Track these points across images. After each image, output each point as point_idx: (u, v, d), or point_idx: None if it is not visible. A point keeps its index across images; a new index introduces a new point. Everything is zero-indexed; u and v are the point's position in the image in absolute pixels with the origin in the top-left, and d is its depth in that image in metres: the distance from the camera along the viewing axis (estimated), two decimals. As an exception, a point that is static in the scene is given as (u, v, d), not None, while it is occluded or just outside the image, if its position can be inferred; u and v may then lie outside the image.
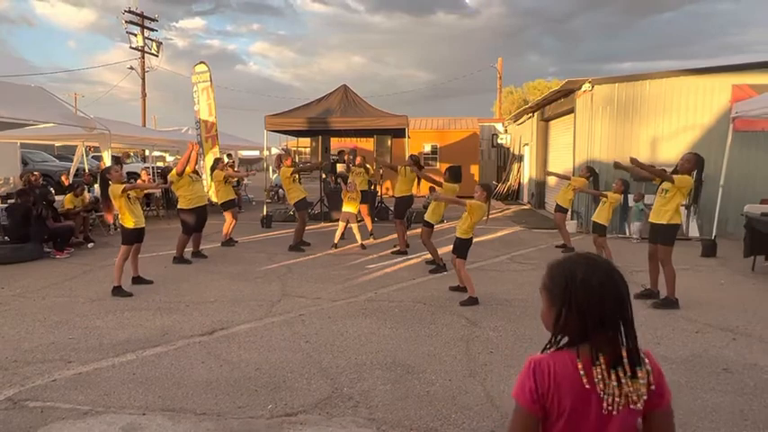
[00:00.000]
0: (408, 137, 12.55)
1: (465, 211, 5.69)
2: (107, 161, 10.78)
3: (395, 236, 8.87)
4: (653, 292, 5.79)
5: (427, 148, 19.41)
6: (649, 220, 5.77)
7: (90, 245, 9.04)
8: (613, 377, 1.24)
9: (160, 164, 22.41)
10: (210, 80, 13.32)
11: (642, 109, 10.65)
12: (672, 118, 10.57)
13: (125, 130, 12.74)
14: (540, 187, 15.59)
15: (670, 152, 10.13)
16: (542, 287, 1.37)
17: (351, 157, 11.19)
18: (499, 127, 21.75)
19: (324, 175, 13.15)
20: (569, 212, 9.54)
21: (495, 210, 14.21)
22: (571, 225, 10.23)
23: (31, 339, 4.55)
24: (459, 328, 4.85)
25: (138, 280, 6.35)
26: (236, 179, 10.46)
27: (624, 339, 1.27)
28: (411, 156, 8.94)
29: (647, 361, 1.29)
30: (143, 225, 6.21)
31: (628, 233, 10.03)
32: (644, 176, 6.25)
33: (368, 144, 15.59)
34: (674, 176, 5.42)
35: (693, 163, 5.51)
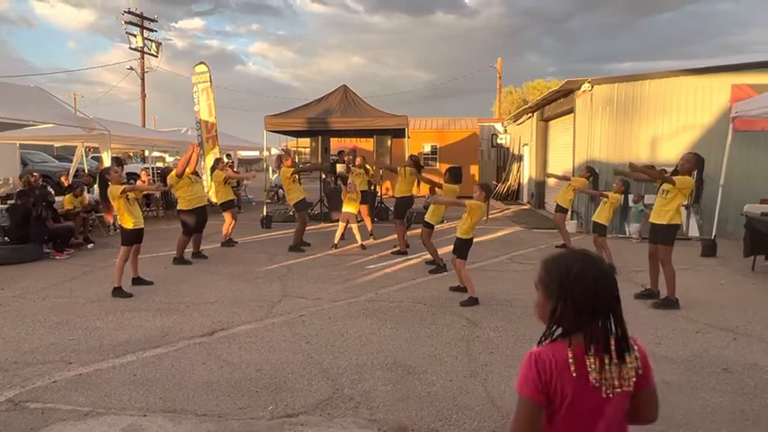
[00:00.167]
0: (408, 137, 12.56)
1: (465, 211, 5.69)
2: (106, 162, 10.77)
3: (395, 236, 8.87)
4: (653, 291, 5.80)
5: (427, 149, 19.40)
6: (650, 220, 5.77)
7: (90, 246, 9.04)
8: (606, 363, 1.32)
9: (159, 164, 22.39)
10: (210, 80, 13.33)
11: (642, 109, 10.66)
12: (671, 118, 10.57)
13: (125, 130, 12.73)
14: (539, 187, 15.59)
15: (670, 152, 10.14)
16: (538, 281, 1.43)
17: (351, 157, 11.19)
18: (499, 127, 21.75)
19: (324, 176, 13.15)
20: (569, 212, 9.54)
21: (494, 210, 14.21)
22: (571, 225, 10.23)
23: (31, 340, 4.54)
24: (459, 329, 4.85)
25: (138, 281, 6.35)
26: (235, 180, 10.45)
27: (614, 329, 1.35)
28: (411, 156, 8.94)
29: (635, 347, 1.38)
30: (142, 225, 6.20)
31: (628, 233, 10.03)
32: (644, 179, 6.25)
33: (367, 144, 15.59)
34: (675, 178, 5.43)
35: (693, 163, 5.51)
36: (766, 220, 7.05)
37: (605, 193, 7.43)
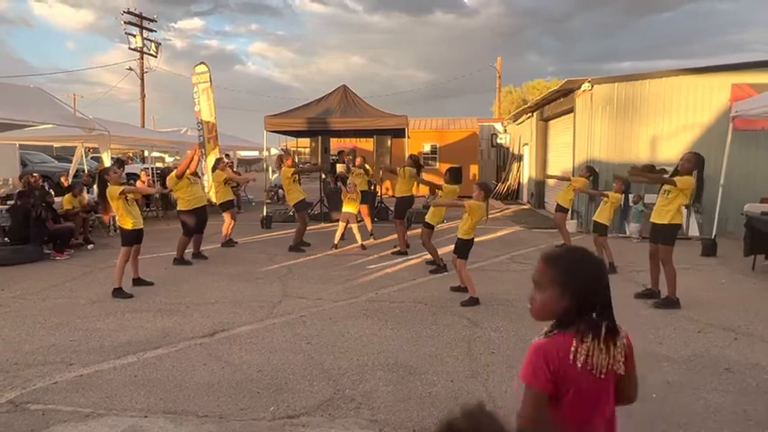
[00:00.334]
0: (408, 137, 12.55)
1: (465, 212, 5.69)
2: (106, 162, 10.76)
3: (395, 236, 8.87)
4: (654, 291, 5.79)
5: (427, 148, 19.39)
6: (651, 219, 5.77)
7: (90, 246, 9.04)
8: (603, 348, 1.43)
9: (159, 164, 22.37)
10: (210, 81, 13.31)
11: (642, 108, 10.65)
12: (672, 117, 10.57)
13: (124, 130, 12.72)
14: (539, 187, 15.59)
15: (670, 151, 10.13)
16: (545, 279, 1.48)
17: (350, 157, 11.18)
18: (498, 127, 21.74)
19: (323, 176, 13.15)
20: (569, 212, 9.53)
21: (494, 209, 14.21)
22: (571, 225, 10.22)
23: (31, 341, 4.54)
24: (460, 329, 4.84)
25: (138, 281, 6.34)
26: (235, 181, 10.45)
27: (605, 317, 1.45)
28: (410, 155, 8.94)
29: (624, 338, 1.50)
30: (141, 226, 6.19)
31: (628, 233, 10.03)
32: (644, 182, 6.25)
33: (367, 144, 15.58)
34: (676, 179, 5.43)
35: (694, 163, 5.51)
36: (766, 219, 7.05)
37: (606, 192, 7.43)
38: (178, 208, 7.89)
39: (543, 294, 1.47)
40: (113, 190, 5.87)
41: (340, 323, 5.01)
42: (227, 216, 9.05)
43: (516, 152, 18.83)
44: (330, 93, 12.69)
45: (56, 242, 8.26)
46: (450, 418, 0.62)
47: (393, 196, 9.32)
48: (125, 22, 28.31)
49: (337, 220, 9.31)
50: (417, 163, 8.52)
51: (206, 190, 11.58)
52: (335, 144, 16.14)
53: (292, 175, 8.88)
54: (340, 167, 12.78)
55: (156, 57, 29.72)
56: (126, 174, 13.69)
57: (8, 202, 9.05)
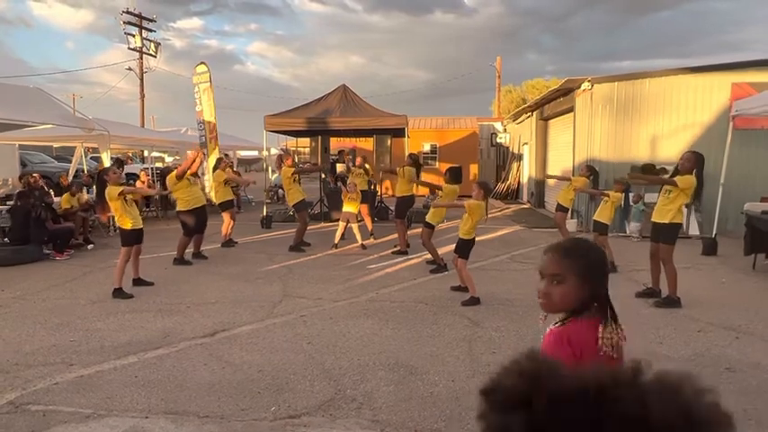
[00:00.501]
0: (408, 136, 12.54)
1: (465, 212, 5.68)
2: (106, 162, 10.76)
3: (395, 236, 8.86)
4: (655, 290, 5.79)
5: (426, 148, 19.37)
6: (652, 219, 5.77)
7: (90, 246, 9.03)
8: (610, 329, 1.48)
9: (159, 165, 22.37)
10: (210, 81, 13.30)
11: (642, 107, 10.64)
12: (672, 116, 10.56)
13: (124, 130, 12.71)
14: (539, 186, 15.58)
15: (670, 150, 10.12)
16: (564, 270, 1.50)
17: (350, 157, 11.17)
18: (498, 126, 21.72)
19: (323, 175, 13.14)
20: (569, 211, 9.53)
21: (494, 209, 14.20)
22: (571, 224, 10.22)
23: (32, 342, 4.53)
24: (461, 329, 4.84)
25: (138, 281, 6.33)
26: (235, 182, 10.44)
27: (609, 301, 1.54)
28: (410, 154, 8.94)
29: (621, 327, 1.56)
30: (141, 225, 6.18)
31: (628, 232, 10.03)
32: (644, 184, 6.25)
33: (367, 144, 15.57)
34: (677, 179, 5.44)
35: (693, 162, 5.51)
36: (767, 218, 7.04)
37: (606, 192, 7.42)
38: (177, 208, 7.89)
39: (563, 286, 1.48)
40: (112, 190, 5.86)
41: (341, 323, 5.01)
42: (226, 216, 9.04)
43: (516, 151, 18.82)
44: (330, 92, 12.68)
45: (56, 242, 8.25)
46: (513, 360, 0.62)
47: (393, 196, 9.31)
48: (124, 22, 28.27)
49: (337, 220, 9.30)
50: (417, 162, 8.51)
51: (207, 190, 11.57)
52: (335, 144, 16.12)
53: (293, 174, 8.87)
54: (340, 167, 12.77)
55: (155, 57, 29.71)
56: (125, 174, 13.69)
57: (8, 203, 9.04)
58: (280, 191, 16.01)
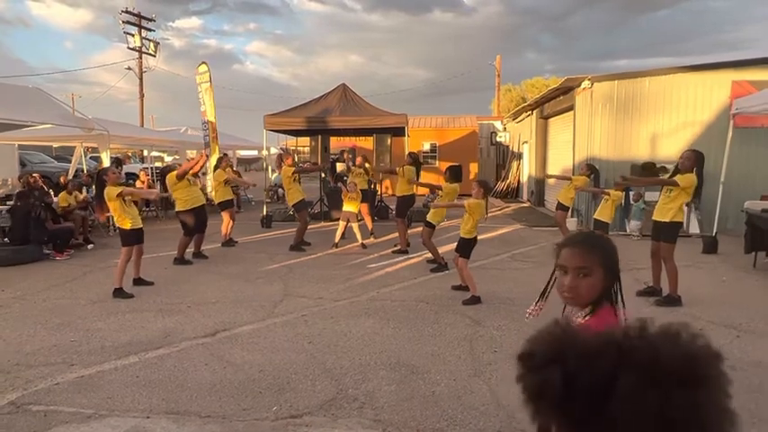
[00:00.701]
0: (408, 135, 12.52)
1: (465, 211, 5.68)
2: (106, 162, 10.74)
3: (395, 235, 8.86)
4: (655, 289, 5.79)
5: (426, 147, 19.36)
6: (653, 217, 5.77)
7: (90, 246, 9.02)
8: (623, 311, 1.56)
9: (158, 164, 22.36)
10: (210, 81, 13.29)
11: (642, 106, 10.63)
12: (672, 115, 10.55)
13: (123, 130, 12.70)
14: (539, 185, 15.58)
15: (670, 149, 10.12)
16: (591, 263, 1.51)
17: (350, 156, 11.16)
18: (498, 125, 21.71)
19: (323, 175, 13.13)
20: (570, 210, 9.53)
21: (494, 208, 14.20)
22: (571, 223, 10.21)
23: (32, 342, 4.53)
24: (462, 328, 4.84)
25: (139, 281, 6.32)
26: (235, 182, 10.43)
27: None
28: (410, 153, 8.94)
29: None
30: (140, 225, 6.17)
31: (628, 230, 10.03)
32: (644, 185, 6.25)
33: (367, 143, 15.55)
34: (678, 178, 5.44)
35: (693, 160, 5.51)
36: (767, 216, 7.04)
37: (606, 190, 7.42)
38: (176, 208, 7.88)
39: (590, 278, 1.51)
40: (111, 191, 5.84)
41: (341, 322, 5.00)
42: (225, 215, 9.03)
43: (516, 150, 18.81)
44: (329, 92, 12.66)
45: (56, 242, 8.24)
46: (540, 330, 0.78)
47: (393, 195, 9.30)
48: (123, 22, 28.21)
49: (337, 220, 9.30)
50: (417, 161, 8.49)
51: (209, 190, 11.56)
52: (335, 143, 16.11)
53: (293, 174, 8.86)
54: (340, 167, 12.76)
55: (154, 56, 29.64)
56: (125, 173, 13.67)
57: (8, 203, 9.03)
58: (280, 190, 16.00)
